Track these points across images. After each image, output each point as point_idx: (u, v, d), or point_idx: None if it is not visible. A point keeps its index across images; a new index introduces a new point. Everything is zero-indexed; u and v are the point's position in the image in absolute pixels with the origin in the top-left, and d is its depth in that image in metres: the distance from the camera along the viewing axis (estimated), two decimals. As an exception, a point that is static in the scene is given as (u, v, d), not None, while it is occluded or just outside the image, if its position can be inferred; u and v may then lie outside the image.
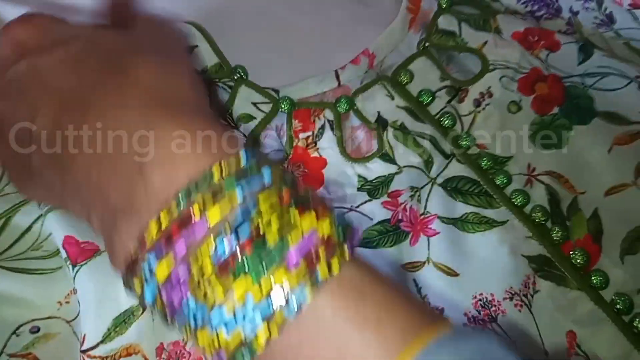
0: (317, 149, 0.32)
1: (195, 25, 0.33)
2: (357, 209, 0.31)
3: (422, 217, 0.31)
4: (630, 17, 0.37)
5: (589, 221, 0.30)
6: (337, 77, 0.34)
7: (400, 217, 0.31)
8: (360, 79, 0.34)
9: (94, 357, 0.26)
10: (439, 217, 0.31)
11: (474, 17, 0.36)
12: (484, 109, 0.33)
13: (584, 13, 0.38)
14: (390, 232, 0.30)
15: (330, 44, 0.36)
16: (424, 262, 0.30)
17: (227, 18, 0.37)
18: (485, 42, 0.35)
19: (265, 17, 0.37)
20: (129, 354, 0.27)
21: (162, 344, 0.27)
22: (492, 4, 0.38)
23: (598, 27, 0.38)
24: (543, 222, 0.30)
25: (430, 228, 0.30)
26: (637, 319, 0.27)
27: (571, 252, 0.29)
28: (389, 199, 0.31)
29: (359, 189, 0.31)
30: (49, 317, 0.27)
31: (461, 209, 0.31)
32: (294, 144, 0.32)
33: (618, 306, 0.28)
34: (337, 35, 0.37)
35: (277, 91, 0.33)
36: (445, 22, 0.36)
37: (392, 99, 0.34)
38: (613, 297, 0.28)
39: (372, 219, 0.31)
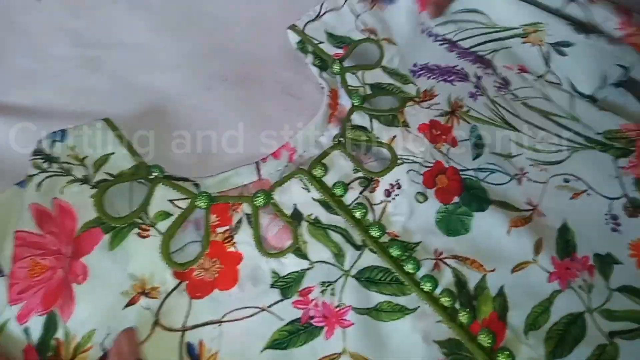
0: (234, 243, 0.37)
1: (110, 125, 0.39)
2: (269, 309, 0.35)
3: (337, 309, 0.35)
4: (520, 79, 0.46)
5: (495, 299, 0.35)
6: (258, 170, 0.40)
7: (311, 314, 0.35)
8: (280, 173, 0.40)
9: None
10: (354, 308, 0.35)
11: (383, 114, 0.43)
12: (393, 199, 0.39)
13: (486, 78, 0.46)
14: (301, 330, 0.34)
15: (258, 136, 0.43)
16: (340, 354, 0.34)
17: (154, 111, 0.43)
18: (394, 137, 0.42)
19: (195, 109, 0.44)
20: None
21: None
22: (404, 87, 0.46)
23: (499, 90, 0.45)
24: (451, 305, 0.35)
25: (345, 319, 0.35)
26: (543, 394, 0.32)
27: (479, 333, 0.34)
28: (299, 298, 0.35)
29: (271, 286, 0.36)
30: None
31: (375, 298, 0.36)
32: (211, 239, 0.37)
33: (525, 383, 0.33)
34: (265, 128, 0.44)
35: (197, 185, 0.38)
36: (358, 119, 0.43)
37: (308, 191, 0.39)
38: (520, 374, 0.33)
39: (282, 320, 0.35)
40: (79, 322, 0.33)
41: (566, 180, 0.41)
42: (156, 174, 0.38)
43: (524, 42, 0.45)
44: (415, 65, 0.47)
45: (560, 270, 0.36)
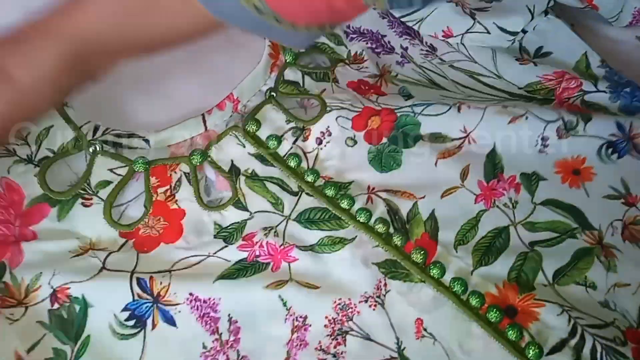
0: (176, 200, 0.44)
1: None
2: (215, 255, 0.43)
3: (282, 247, 0.43)
4: (446, 44, 0.55)
5: (426, 222, 0.44)
6: (204, 122, 0.48)
7: (257, 254, 0.43)
8: (226, 123, 0.48)
9: None
10: (297, 247, 0.43)
11: (315, 71, 0.51)
12: (325, 145, 0.47)
13: (412, 48, 0.55)
14: (248, 267, 0.42)
15: (204, 88, 0.50)
16: (287, 281, 0.41)
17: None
18: (324, 90, 0.50)
19: (141, 64, 0.49)
20: None
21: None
22: (336, 48, 0.54)
23: (425, 56, 0.54)
24: (385, 231, 0.43)
25: (291, 256, 0.42)
26: (472, 297, 0.40)
27: (412, 251, 0.42)
28: (243, 242, 0.43)
29: (215, 236, 0.43)
30: None
31: (316, 235, 0.43)
32: (153, 199, 0.44)
33: (455, 289, 0.40)
34: (213, 78, 0.51)
35: (147, 140, 0.46)
36: (291, 74, 0.51)
37: (244, 146, 0.47)
38: (450, 282, 0.41)
39: (229, 261, 0.42)
40: (26, 268, 0.40)
41: (504, 106, 0.48)
42: (95, 146, 0.45)
43: (448, 1, 0.54)
44: (349, 27, 0.56)
45: (486, 192, 0.45)
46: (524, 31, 0.55)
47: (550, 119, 0.47)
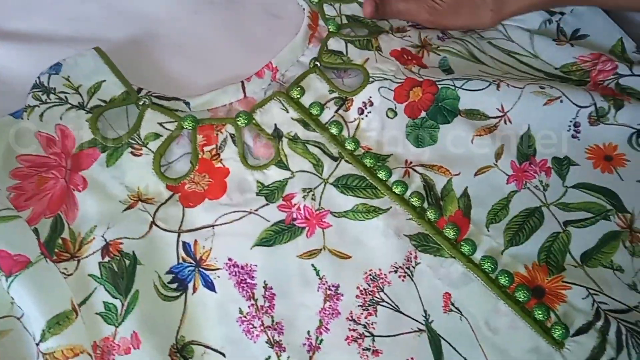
0: (221, 160, 0.40)
1: (100, 53, 0.42)
2: (256, 212, 0.39)
3: (317, 212, 0.39)
4: None
5: (460, 199, 0.39)
6: (244, 89, 0.43)
7: (294, 217, 0.39)
8: (264, 90, 0.44)
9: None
10: (332, 212, 0.39)
11: (359, 39, 0.46)
12: (366, 116, 0.43)
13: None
14: (285, 230, 0.38)
15: (244, 56, 0.46)
16: (320, 249, 0.37)
17: (146, 35, 0.46)
18: (367, 59, 0.45)
19: (184, 32, 0.47)
20: (76, 354, 0.33)
21: (95, 342, 0.34)
22: (379, 22, 0.49)
23: (465, 33, 0.49)
24: (420, 205, 0.39)
25: (325, 221, 0.38)
26: (501, 276, 0.36)
27: (444, 227, 0.38)
28: (283, 202, 0.39)
29: (257, 194, 0.39)
30: (4, 317, 0.33)
31: (352, 202, 0.39)
32: (199, 157, 0.40)
33: (484, 267, 0.36)
34: (251, 48, 0.47)
35: (187, 103, 0.42)
36: (334, 44, 0.46)
37: (287, 112, 0.42)
38: (480, 260, 0.37)
39: (268, 221, 0.38)
40: (82, 222, 0.37)
41: (542, 87, 0.43)
42: (145, 100, 0.41)
43: None
44: None
45: (518, 173, 0.40)
46: (561, 13, 0.49)
47: (583, 104, 0.42)
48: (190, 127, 0.40)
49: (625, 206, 0.39)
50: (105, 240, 0.36)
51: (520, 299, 0.35)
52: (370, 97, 0.43)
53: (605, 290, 0.36)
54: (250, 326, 0.35)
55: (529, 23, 0.49)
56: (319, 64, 0.44)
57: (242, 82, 0.43)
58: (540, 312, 0.35)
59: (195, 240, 0.38)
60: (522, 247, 0.37)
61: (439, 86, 0.43)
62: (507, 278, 0.36)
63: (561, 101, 0.42)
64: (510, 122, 0.42)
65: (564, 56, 0.47)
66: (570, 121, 0.42)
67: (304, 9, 0.48)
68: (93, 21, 0.47)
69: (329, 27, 0.46)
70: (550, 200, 0.39)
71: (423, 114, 0.42)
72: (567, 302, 0.35)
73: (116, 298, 0.35)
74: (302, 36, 0.46)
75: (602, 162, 0.41)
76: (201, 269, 0.37)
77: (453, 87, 0.43)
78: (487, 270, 0.36)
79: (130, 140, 0.39)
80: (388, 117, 0.43)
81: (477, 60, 0.47)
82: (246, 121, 0.41)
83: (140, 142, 0.40)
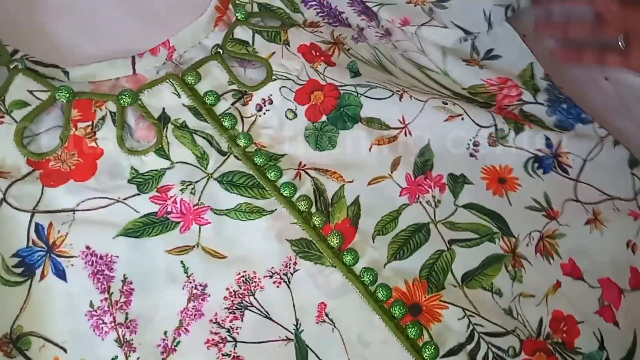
0: (96, 139, 0.37)
1: None
2: (124, 201, 0.36)
3: (196, 207, 0.36)
4: (401, 32, 0.48)
5: (350, 207, 0.38)
6: (133, 64, 0.40)
7: (169, 210, 0.36)
8: (157, 70, 0.41)
9: None
10: (212, 209, 0.36)
11: (267, 29, 0.44)
12: (264, 113, 0.41)
13: (368, 30, 0.48)
14: (156, 223, 0.35)
15: (139, 30, 0.42)
16: (193, 246, 0.35)
17: None
18: (273, 53, 0.43)
19: None
20: None
21: None
22: (292, 15, 0.47)
23: (380, 39, 0.48)
24: (307, 210, 0.37)
25: (203, 218, 0.36)
26: (380, 289, 0.35)
27: (329, 235, 0.36)
28: (157, 194, 0.36)
29: (129, 181, 0.36)
30: None
31: (235, 200, 0.37)
32: (71, 133, 0.37)
33: (364, 279, 0.35)
34: (148, 22, 0.43)
35: (67, 72, 0.38)
36: (241, 32, 0.43)
37: (179, 97, 0.40)
38: (361, 271, 0.36)
39: (138, 212, 0.35)
40: None
41: (445, 103, 0.43)
42: (18, 63, 0.37)
43: (407, 3, 0.48)
44: None
45: (412, 186, 0.40)
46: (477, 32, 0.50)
47: (484, 124, 0.43)
48: (65, 99, 0.37)
49: (511, 230, 0.40)
50: None
51: (395, 315, 0.35)
52: (271, 95, 0.41)
53: (482, 313, 0.36)
54: (100, 322, 0.32)
55: (444, 39, 0.49)
56: (221, 52, 0.42)
57: (133, 57, 0.40)
58: (413, 330, 0.34)
59: (51, 223, 0.34)
60: (405, 262, 0.37)
61: (341, 92, 0.42)
62: (385, 292, 0.35)
63: (462, 119, 0.43)
64: (410, 134, 0.42)
65: (472, 77, 0.47)
66: (470, 139, 0.42)
67: None
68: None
69: (237, 14, 0.44)
70: (439, 217, 0.39)
71: (324, 117, 0.41)
72: (442, 321, 0.35)
73: None
74: (207, 17, 0.43)
75: (496, 184, 0.42)
76: (53, 255, 0.33)
77: (355, 94, 0.42)
78: (366, 282, 0.35)
79: (-11, 106, 0.35)
80: (287, 117, 0.41)
81: (386, 71, 0.46)
82: (130, 100, 0.38)
83: (3, 109, 0.36)
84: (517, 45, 0.50)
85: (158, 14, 0.44)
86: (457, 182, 0.41)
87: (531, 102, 0.46)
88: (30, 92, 0.36)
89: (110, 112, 0.38)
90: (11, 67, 0.37)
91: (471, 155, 0.42)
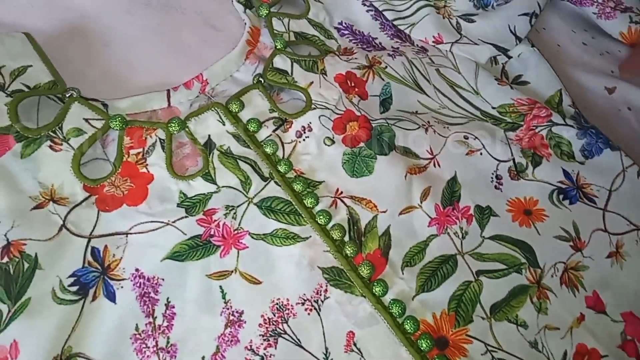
0: (146, 165, 0.35)
1: (30, 39, 0.36)
2: (174, 224, 0.34)
3: (236, 232, 0.34)
4: (436, 50, 0.45)
5: (381, 237, 0.35)
6: (169, 97, 0.38)
7: (212, 233, 0.34)
8: (190, 102, 0.38)
9: None
10: (250, 234, 0.34)
11: (305, 59, 0.41)
12: (304, 139, 0.38)
13: (403, 48, 0.45)
14: (200, 246, 0.33)
15: (172, 63, 0.40)
16: (232, 272, 0.33)
17: (72, 29, 0.40)
18: (312, 82, 0.40)
19: (112, 31, 0.40)
20: None
21: None
22: (327, 41, 0.44)
23: (417, 53, 0.44)
24: (340, 238, 0.35)
25: (242, 242, 0.34)
26: (408, 322, 0.32)
27: (360, 264, 0.34)
28: (203, 217, 0.34)
29: (178, 205, 0.34)
30: None
31: (272, 225, 0.35)
32: (124, 159, 0.35)
33: (392, 310, 0.33)
34: (182, 56, 0.41)
35: (106, 105, 0.36)
36: (280, 62, 0.41)
37: (223, 124, 0.37)
38: (390, 303, 0.33)
39: (185, 234, 0.33)
40: None
41: (465, 137, 0.40)
42: (73, 92, 0.35)
43: (437, 14, 0.44)
44: (341, 23, 0.46)
45: (441, 217, 0.36)
46: (508, 56, 0.46)
47: (501, 158, 0.40)
48: (118, 127, 0.35)
49: (537, 261, 0.36)
50: (7, 239, 0.31)
51: (422, 348, 0.32)
52: (310, 122, 0.38)
53: (505, 347, 0.33)
54: (143, 345, 0.31)
55: (479, 56, 0.45)
56: (262, 81, 0.39)
57: (168, 90, 0.38)
58: (439, 364, 0.31)
59: (106, 246, 0.32)
60: (433, 294, 0.34)
61: (373, 125, 0.39)
62: (412, 325, 0.32)
63: (481, 154, 0.40)
64: (439, 165, 0.39)
65: (503, 96, 0.44)
66: (492, 173, 0.39)
67: (245, 24, 0.43)
68: (16, 6, 0.40)
69: (276, 44, 0.41)
70: (467, 249, 0.36)
71: (362, 144, 0.38)
72: (468, 356, 0.32)
73: (4, 303, 0.29)
74: (238, 51, 0.41)
75: (522, 215, 0.38)
76: (106, 277, 0.32)
77: (387, 125, 0.39)
78: (394, 314, 0.33)
79: (50, 134, 0.34)
80: (325, 144, 0.38)
81: (420, 90, 0.42)
82: (179, 128, 0.36)
83: (61, 137, 0.34)
84: (546, 72, 0.46)
85: (190, 47, 0.42)
86: (483, 213, 0.37)
87: (561, 124, 0.42)
88: (86, 120, 0.35)
89: (160, 139, 0.36)
90: (67, 95, 0.35)
91: (496, 187, 0.39)
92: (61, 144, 0.34)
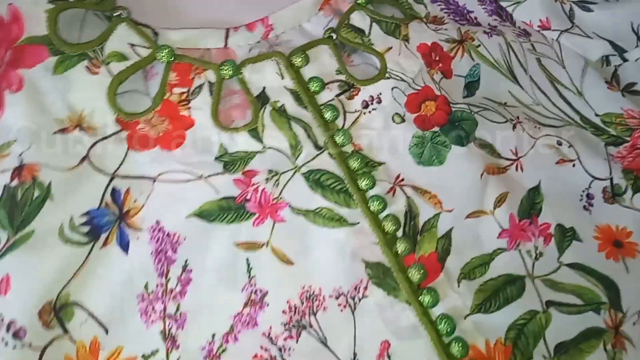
0: (189, 107, 0.32)
1: None
2: (207, 179, 0.30)
3: (275, 201, 0.30)
4: (541, 36, 0.39)
5: (440, 240, 0.30)
6: (226, 37, 0.34)
7: (248, 197, 0.30)
8: (250, 47, 0.34)
9: None
10: (291, 206, 0.30)
11: (387, 20, 0.36)
12: (370, 112, 0.34)
13: (502, 28, 0.39)
14: (232, 209, 0.30)
15: (237, 1, 0.36)
16: (263, 244, 0.29)
17: None
18: (390, 48, 0.35)
19: None
20: None
21: None
22: (414, 5, 0.39)
23: (518, 36, 0.39)
24: (393, 231, 0.30)
25: (279, 215, 0.30)
26: (455, 343, 0.28)
27: (411, 266, 0.29)
28: (242, 177, 0.30)
29: (216, 158, 0.31)
30: None
31: (317, 201, 0.30)
32: (165, 97, 0.31)
33: (440, 327, 0.28)
34: None
35: (156, 33, 0.32)
36: (358, 19, 0.36)
37: (282, 78, 0.33)
38: (438, 317, 0.28)
39: (218, 193, 0.30)
40: (2, 128, 0.28)
41: (559, 143, 0.35)
42: (122, 12, 0.32)
43: None
44: None
45: (514, 230, 0.31)
46: (624, 59, 0.39)
47: (597, 175, 0.34)
48: (166, 60, 0.32)
49: (621, 303, 0.31)
50: (22, 160, 0.28)
51: (467, 377, 0.27)
52: (380, 93, 0.34)
53: (566, 396, 0.28)
54: (150, 308, 0.27)
55: (590, 52, 0.38)
56: (334, 37, 0.35)
57: (227, 29, 0.34)
58: (484, 400, 0.27)
59: (128, 189, 0.29)
60: (491, 317, 0.29)
61: (453, 109, 0.34)
62: (461, 348, 0.28)
63: (574, 165, 0.34)
64: (522, 169, 0.33)
65: (611, 103, 0.37)
66: (583, 190, 0.34)
67: None
68: None
69: None
70: (538, 272, 0.31)
71: (436, 128, 0.33)
72: (519, 398, 0.27)
73: (4, 230, 0.27)
74: (313, 0, 0.36)
75: (610, 246, 0.32)
76: (123, 224, 0.29)
77: (469, 112, 0.34)
78: (441, 331, 0.28)
79: (89, 53, 0.30)
80: (394, 121, 0.33)
81: (514, 79, 0.37)
82: (232, 72, 0.32)
83: (101, 59, 0.31)
84: None
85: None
86: (565, 235, 0.32)
87: None
88: (132, 45, 0.31)
89: (209, 81, 0.32)
90: (115, 14, 0.32)
91: (585, 208, 0.33)
92: (99, 67, 0.30)
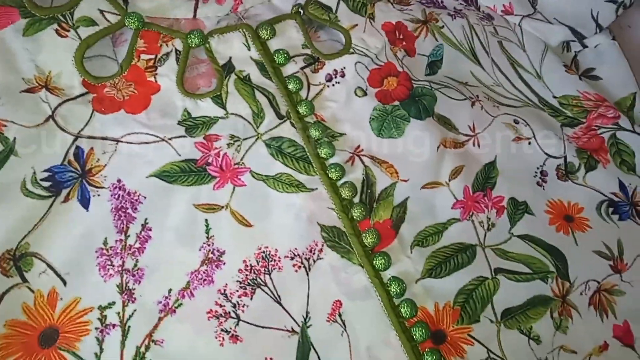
0: (156, 74, 0.33)
1: None
2: (169, 141, 0.31)
3: (236, 166, 0.31)
4: (504, 20, 0.41)
5: (395, 208, 0.32)
6: (195, 8, 0.35)
7: (209, 161, 0.31)
8: (218, 19, 0.35)
9: None
10: (252, 172, 0.31)
11: (354, -1, 0.38)
12: (333, 85, 0.35)
13: (466, 11, 0.41)
14: (193, 172, 0.31)
15: None
16: (222, 207, 0.30)
17: None
18: (356, 25, 0.37)
19: None
20: None
21: None
22: None
23: (481, 20, 0.40)
24: (349, 198, 0.31)
25: (240, 179, 0.31)
26: (405, 304, 0.29)
27: (365, 231, 0.31)
28: (203, 141, 0.32)
29: (179, 122, 0.32)
30: None
31: (277, 168, 0.32)
32: (132, 63, 0.32)
33: (390, 288, 0.29)
34: None
35: (126, 1, 0.33)
36: None
37: (248, 49, 0.34)
38: (389, 280, 0.30)
39: (179, 155, 0.31)
40: None
41: (515, 122, 0.36)
42: (93, -23, 0.33)
43: None
44: None
45: (468, 201, 0.33)
46: (583, 45, 0.41)
47: (552, 154, 0.36)
48: (134, 27, 0.33)
49: (568, 273, 0.33)
50: None
51: (415, 337, 0.29)
52: (344, 68, 0.35)
53: (509, 358, 0.29)
54: (108, 262, 0.28)
55: (551, 37, 0.40)
56: (302, 12, 0.36)
57: (197, 1, 0.35)
58: (430, 358, 0.28)
59: (92, 149, 0.30)
60: (440, 282, 0.30)
61: (415, 85, 0.35)
62: (409, 309, 0.29)
63: (529, 143, 0.36)
64: (478, 145, 0.35)
65: (568, 86, 0.39)
66: (538, 167, 0.35)
67: None
68: None
69: None
70: (490, 242, 0.32)
71: (396, 102, 0.35)
72: (464, 358, 0.29)
73: None
74: None
75: (561, 220, 0.34)
76: (85, 181, 0.30)
77: (430, 88, 0.36)
78: (392, 292, 0.29)
79: (59, 17, 0.31)
80: (356, 94, 0.35)
81: (475, 60, 0.39)
82: (198, 42, 0.33)
83: (70, 23, 0.32)
84: (623, 72, 0.41)
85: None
86: (518, 208, 0.34)
87: (628, 130, 0.38)
88: (101, 11, 0.32)
89: (176, 49, 0.33)
90: (87, -21, 0.32)
91: (538, 184, 0.35)
92: (68, 31, 0.31)
